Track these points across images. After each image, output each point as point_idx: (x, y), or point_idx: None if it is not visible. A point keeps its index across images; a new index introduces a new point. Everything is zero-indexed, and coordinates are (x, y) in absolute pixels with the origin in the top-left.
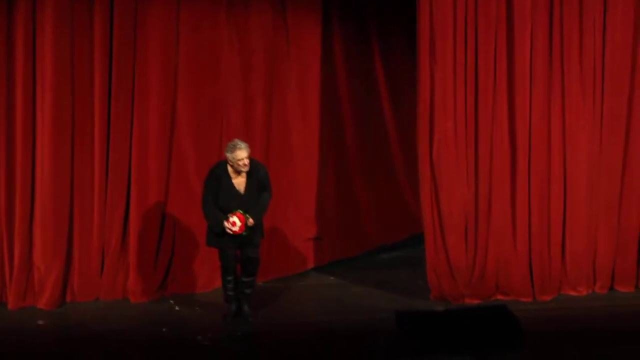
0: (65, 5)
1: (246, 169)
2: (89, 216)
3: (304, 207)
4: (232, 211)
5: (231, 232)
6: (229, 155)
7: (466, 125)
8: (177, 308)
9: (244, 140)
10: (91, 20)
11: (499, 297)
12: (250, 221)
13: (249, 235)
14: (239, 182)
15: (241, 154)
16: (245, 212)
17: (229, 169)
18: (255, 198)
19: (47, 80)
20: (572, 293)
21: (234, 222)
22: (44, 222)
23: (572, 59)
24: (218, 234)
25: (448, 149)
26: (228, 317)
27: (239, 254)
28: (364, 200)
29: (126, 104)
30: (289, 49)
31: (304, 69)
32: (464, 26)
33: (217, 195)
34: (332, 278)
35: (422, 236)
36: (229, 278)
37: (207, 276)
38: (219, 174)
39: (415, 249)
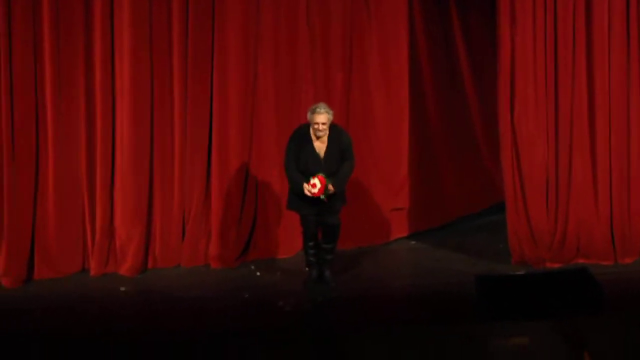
0: None
1: (321, 134)
2: (170, 183)
3: (388, 177)
4: (312, 174)
5: (310, 194)
6: (309, 116)
7: (546, 88)
8: (258, 274)
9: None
10: None
11: (580, 260)
12: (330, 187)
13: (330, 201)
14: (320, 146)
15: (318, 118)
16: (327, 177)
17: (311, 131)
18: (336, 164)
19: (126, 47)
20: None
21: (314, 184)
22: (124, 188)
23: None
24: (298, 196)
25: (528, 112)
26: (309, 283)
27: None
28: (447, 170)
29: (205, 70)
30: (370, 17)
31: (386, 37)
32: None
33: (299, 157)
34: (413, 242)
35: (503, 204)
36: (310, 244)
37: (289, 242)
38: (300, 136)
39: (497, 215)
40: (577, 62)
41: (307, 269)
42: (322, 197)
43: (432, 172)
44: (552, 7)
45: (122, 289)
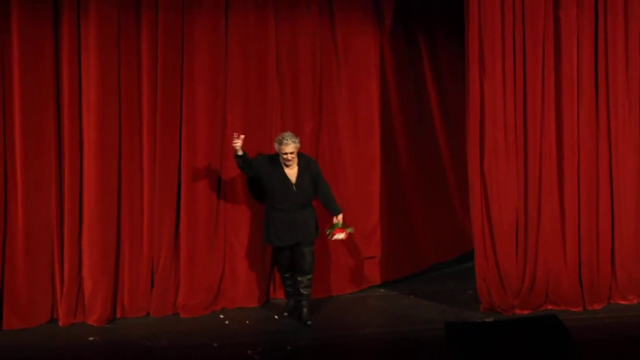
0: (110, 17)
1: (290, 163)
2: (138, 233)
3: (359, 225)
4: (284, 199)
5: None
6: (277, 147)
7: (515, 134)
8: (227, 323)
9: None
10: (138, 41)
11: (549, 307)
12: (339, 225)
13: (303, 233)
14: (291, 173)
15: (287, 148)
16: (335, 225)
17: (281, 160)
18: (308, 189)
19: (93, 97)
20: (623, 302)
21: (342, 240)
22: (91, 239)
23: (617, 69)
24: (275, 230)
25: (498, 159)
26: (285, 312)
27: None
28: (418, 218)
29: (175, 121)
30: (339, 65)
31: (356, 85)
32: (512, 37)
33: (269, 184)
34: (381, 290)
35: (472, 253)
36: (286, 275)
37: (257, 291)
38: (273, 160)
39: (468, 263)
40: (545, 110)
41: (285, 299)
42: (349, 231)
43: (404, 221)
44: (521, 55)
45: (91, 338)
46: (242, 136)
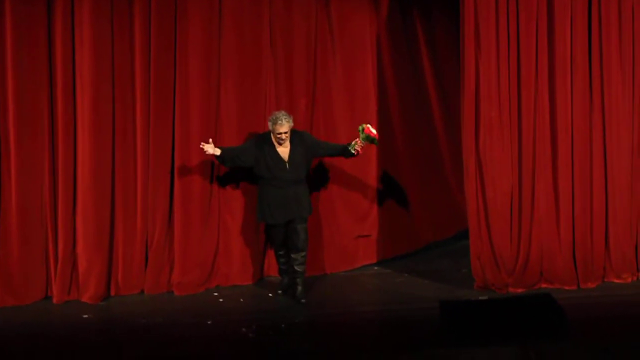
0: (104, 2)
1: (283, 142)
2: (132, 210)
3: (354, 204)
4: (277, 178)
5: (373, 135)
6: (270, 126)
7: (510, 113)
8: (221, 300)
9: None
10: (131, 18)
11: (543, 285)
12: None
13: (296, 210)
14: (283, 151)
15: (281, 129)
16: (362, 136)
17: (273, 138)
18: (302, 166)
19: (86, 78)
20: (616, 280)
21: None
22: (85, 216)
23: (611, 47)
24: (269, 206)
25: (493, 138)
26: (279, 289)
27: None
28: (414, 197)
29: (168, 100)
30: (334, 41)
31: (351, 62)
32: (505, 16)
33: (260, 162)
34: (375, 268)
35: (467, 231)
36: (281, 252)
37: (251, 268)
38: (264, 141)
39: (462, 242)
40: (539, 89)
41: (279, 276)
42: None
43: (399, 199)
44: (515, 34)
45: (85, 316)
46: (210, 140)
